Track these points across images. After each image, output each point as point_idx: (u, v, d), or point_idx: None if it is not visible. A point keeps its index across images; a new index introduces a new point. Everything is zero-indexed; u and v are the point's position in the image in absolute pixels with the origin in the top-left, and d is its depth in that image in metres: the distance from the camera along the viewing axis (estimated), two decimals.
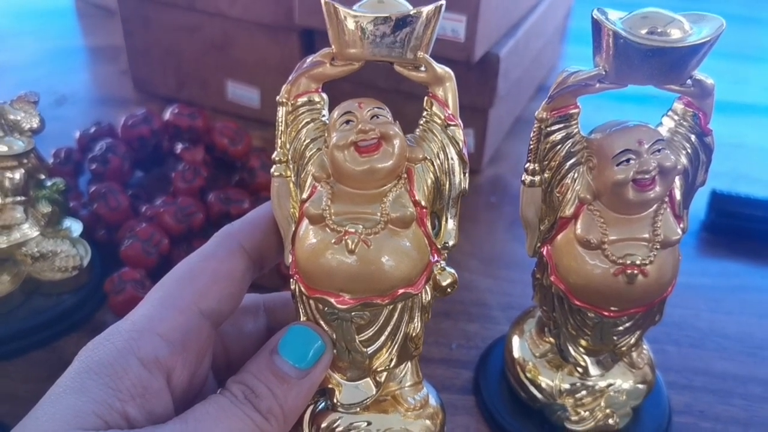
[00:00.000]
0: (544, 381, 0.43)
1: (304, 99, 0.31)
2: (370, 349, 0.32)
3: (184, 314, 0.29)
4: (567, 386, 0.43)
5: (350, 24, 0.29)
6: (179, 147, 0.62)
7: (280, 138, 0.32)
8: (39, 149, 0.52)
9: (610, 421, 0.42)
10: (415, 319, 0.32)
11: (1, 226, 0.50)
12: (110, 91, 0.85)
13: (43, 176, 0.52)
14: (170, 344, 0.28)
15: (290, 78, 0.31)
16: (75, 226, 0.55)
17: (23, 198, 0.51)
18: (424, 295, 0.31)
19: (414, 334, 0.32)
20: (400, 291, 0.30)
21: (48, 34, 0.98)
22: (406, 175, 0.30)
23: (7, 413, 0.43)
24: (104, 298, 0.52)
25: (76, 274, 0.52)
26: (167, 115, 0.63)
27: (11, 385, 0.47)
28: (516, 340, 0.46)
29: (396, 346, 0.32)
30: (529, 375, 0.44)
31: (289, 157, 0.31)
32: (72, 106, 0.81)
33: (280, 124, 0.31)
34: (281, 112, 0.31)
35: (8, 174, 0.49)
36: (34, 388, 0.46)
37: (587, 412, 0.42)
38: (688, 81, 0.33)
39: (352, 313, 0.30)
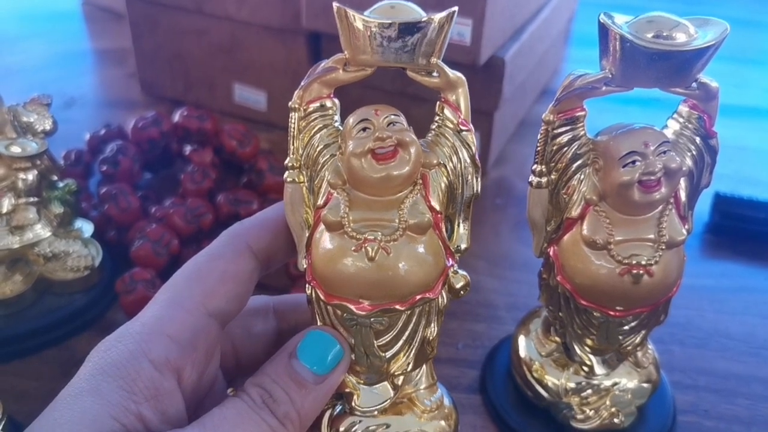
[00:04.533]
0: (550, 380, 0.44)
1: (316, 105, 0.31)
2: (389, 354, 0.32)
3: (192, 315, 0.29)
4: (573, 385, 0.43)
5: (362, 29, 0.29)
6: (188, 149, 0.62)
7: (293, 144, 0.31)
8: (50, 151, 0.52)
9: (616, 419, 0.43)
10: (432, 323, 0.32)
11: (15, 226, 0.50)
12: (118, 94, 0.86)
13: (55, 177, 0.53)
14: (179, 345, 0.28)
15: (302, 83, 0.31)
16: (86, 227, 0.55)
17: (36, 199, 0.51)
18: (440, 299, 0.31)
19: (431, 338, 0.32)
20: (419, 296, 0.30)
21: (56, 37, 0.99)
22: (421, 181, 0.30)
23: (19, 411, 0.43)
24: (115, 298, 0.52)
25: (88, 274, 0.53)
26: (176, 117, 0.64)
27: (23, 383, 0.47)
28: (522, 340, 0.46)
29: (413, 350, 0.32)
30: (535, 374, 0.44)
31: (302, 163, 0.31)
32: (80, 109, 0.81)
33: (292, 129, 0.31)
34: (293, 117, 0.31)
35: (21, 175, 0.50)
36: (46, 386, 0.47)
37: (593, 411, 0.43)
38: (693, 84, 0.34)
39: (371, 319, 0.30)
